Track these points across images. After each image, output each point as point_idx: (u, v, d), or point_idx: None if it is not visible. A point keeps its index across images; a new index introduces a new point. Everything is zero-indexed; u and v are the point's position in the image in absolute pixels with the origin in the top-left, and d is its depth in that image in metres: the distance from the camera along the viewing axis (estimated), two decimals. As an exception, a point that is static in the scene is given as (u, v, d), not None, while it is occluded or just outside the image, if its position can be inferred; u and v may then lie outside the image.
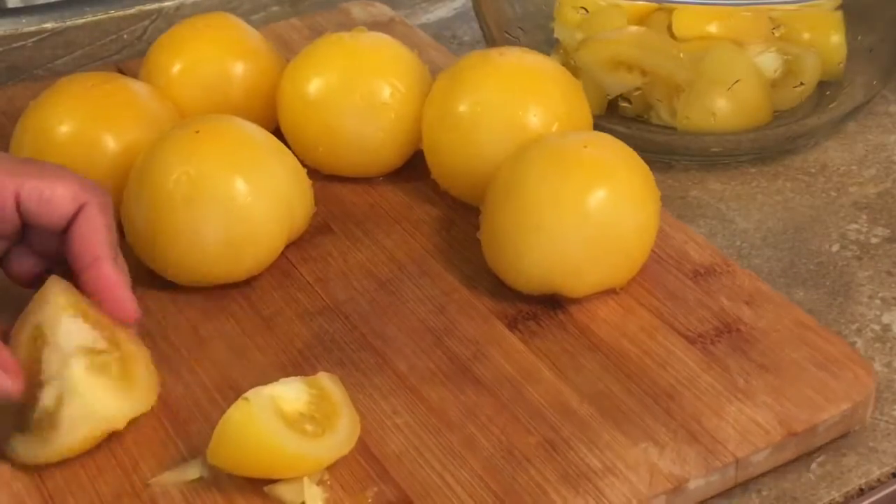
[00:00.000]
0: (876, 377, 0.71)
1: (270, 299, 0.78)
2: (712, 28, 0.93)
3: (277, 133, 0.83)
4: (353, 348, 0.74)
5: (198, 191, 0.75)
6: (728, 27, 0.92)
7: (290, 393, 0.65)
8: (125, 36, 1.08)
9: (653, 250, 0.77)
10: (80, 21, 1.07)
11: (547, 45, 0.98)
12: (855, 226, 0.86)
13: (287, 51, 0.97)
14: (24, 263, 0.73)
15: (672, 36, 0.93)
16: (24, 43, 1.06)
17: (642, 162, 0.76)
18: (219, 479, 0.65)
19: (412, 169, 0.87)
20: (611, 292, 0.76)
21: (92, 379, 0.65)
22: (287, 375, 0.67)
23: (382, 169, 0.87)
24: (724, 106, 0.91)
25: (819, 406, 0.68)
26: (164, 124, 0.82)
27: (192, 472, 0.65)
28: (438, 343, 0.74)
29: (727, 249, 0.84)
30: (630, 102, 0.94)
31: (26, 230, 0.72)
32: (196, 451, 0.66)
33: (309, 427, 0.64)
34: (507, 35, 0.98)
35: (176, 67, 0.88)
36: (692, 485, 0.65)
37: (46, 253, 0.73)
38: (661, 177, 0.90)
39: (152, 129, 0.81)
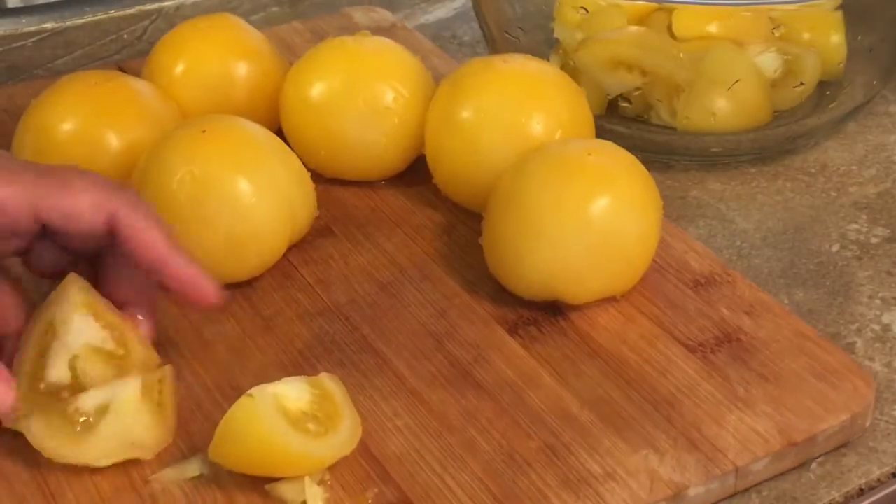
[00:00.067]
0: (875, 379, 0.71)
1: (271, 300, 0.78)
2: (712, 28, 0.93)
3: (279, 135, 0.83)
4: (353, 350, 0.74)
5: (202, 191, 0.75)
6: (728, 27, 0.93)
7: (293, 392, 0.65)
8: (125, 36, 1.08)
9: (653, 259, 0.78)
10: (80, 21, 1.07)
11: (547, 45, 0.99)
12: (855, 226, 0.87)
13: (289, 54, 0.97)
14: (48, 259, 0.70)
15: (672, 36, 0.93)
16: (24, 43, 1.06)
17: (645, 170, 0.77)
18: (219, 476, 0.65)
19: (414, 173, 0.87)
20: (611, 300, 0.77)
21: (142, 405, 0.65)
22: (288, 376, 0.67)
23: (384, 173, 0.88)
24: (724, 106, 0.91)
25: (818, 416, 0.69)
26: (166, 123, 0.82)
27: (193, 469, 0.65)
28: (439, 347, 0.74)
29: (727, 249, 0.85)
30: (630, 102, 0.94)
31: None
32: (196, 448, 0.66)
33: (311, 426, 0.64)
34: (507, 35, 0.98)
35: (179, 68, 0.89)
36: (692, 492, 0.65)
37: (72, 249, 0.69)
38: (661, 177, 0.91)
39: (155, 127, 0.81)
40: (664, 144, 0.93)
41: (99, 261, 0.70)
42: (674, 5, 0.92)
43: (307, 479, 0.64)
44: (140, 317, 0.70)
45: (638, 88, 0.93)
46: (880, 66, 0.95)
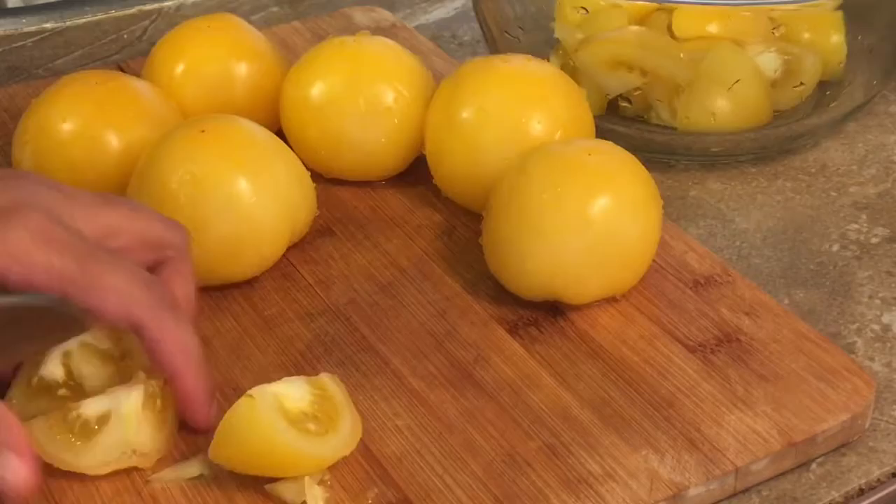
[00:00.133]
0: (875, 379, 0.71)
1: (271, 300, 0.78)
2: (712, 28, 0.93)
3: (279, 135, 0.83)
4: (353, 350, 0.74)
5: (202, 190, 0.75)
6: (728, 27, 0.93)
7: (293, 392, 0.65)
8: (125, 36, 1.08)
9: (653, 259, 0.78)
10: (80, 21, 1.07)
11: (547, 45, 0.99)
12: (855, 226, 0.87)
13: (289, 54, 0.97)
14: None
15: (672, 36, 0.93)
16: (24, 43, 1.06)
17: (645, 170, 0.77)
18: (219, 476, 0.65)
19: (414, 173, 0.87)
20: (611, 300, 0.77)
21: (143, 415, 0.65)
22: (288, 376, 0.67)
23: (384, 173, 0.88)
24: (724, 106, 0.91)
25: (818, 417, 0.69)
26: (167, 123, 0.82)
27: (193, 469, 0.65)
28: (439, 347, 0.74)
29: (727, 249, 0.85)
30: (630, 102, 0.94)
31: None
32: (196, 449, 0.66)
33: (312, 426, 0.64)
34: (507, 35, 0.98)
35: (179, 67, 0.88)
36: (692, 492, 0.65)
37: None
38: (661, 177, 0.91)
39: (155, 127, 0.81)
40: (664, 144, 0.93)
41: None
42: (674, 5, 0.92)
43: (307, 479, 0.64)
44: None
45: (638, 88, 0.93)
46: (880, 66, 0.95)
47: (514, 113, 0.81)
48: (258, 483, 0.64)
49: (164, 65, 0.89)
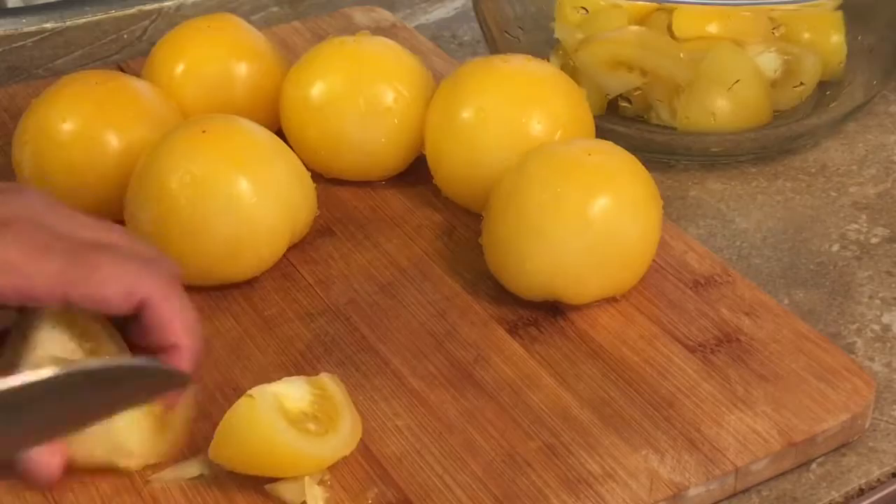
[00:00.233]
0: (875, 379, 0.71)
1: (271, 300, 0.78)
2: (712, 28, 0.93)
3: (279, 135, 0.83)
4: (353, 350, 0.74)
5: (202, 191, 0.75)
6: (728, 27, 0.93)
7: (293, 392, 0.65)
8: (125, 36, 1.08)
9: (653, 259, 0.78)
10: (80, 21, 1.07)
11: (547, 45, 0.99)
12: (855, 226, 0.87)
13: (289, 54, 0.97)
14: None
15: (672, 36, 0.93)
16: (24, 43, 1.06)
17: (645, 170, 0.77)
18: (219, 476, 0.65)
19: (414, 173, 0.87)
20: (611, 300, 0.77)
21: (136, 417, 0.64)
22: (288, 376, 0.67)
23: (384, 173, 0.88)
24: (724, 106, 0.91)
25: (818, 417, 0.69)
26: (167, 123, 0.82)
27: (193, 469, 0.65)
28: (439, 347, 0.74)
29: (727, 250, 0.85)
30: (630, 102, 0.94)
31: None
32: (196, 448, 0.66)
33: (312, 426, 0.64)
34: (507, 35, 0.98)
35: (179, 67, 0.89)
36: (692, 492, 0.65)
37: None
38: (661, 177, 0.91)
39: (155, 127, 0.81)
40: (664, 144, 0.93)
41: None
42: (674, 5, 0.92)
43: (307, 479, 0.64)
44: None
45: (638, 88, 0.93)
46: (880, 66, 0.95)
47: (514, 113, 0.81)
48: (258, 483, 0.64)
49: (164, 65, 0.89)
